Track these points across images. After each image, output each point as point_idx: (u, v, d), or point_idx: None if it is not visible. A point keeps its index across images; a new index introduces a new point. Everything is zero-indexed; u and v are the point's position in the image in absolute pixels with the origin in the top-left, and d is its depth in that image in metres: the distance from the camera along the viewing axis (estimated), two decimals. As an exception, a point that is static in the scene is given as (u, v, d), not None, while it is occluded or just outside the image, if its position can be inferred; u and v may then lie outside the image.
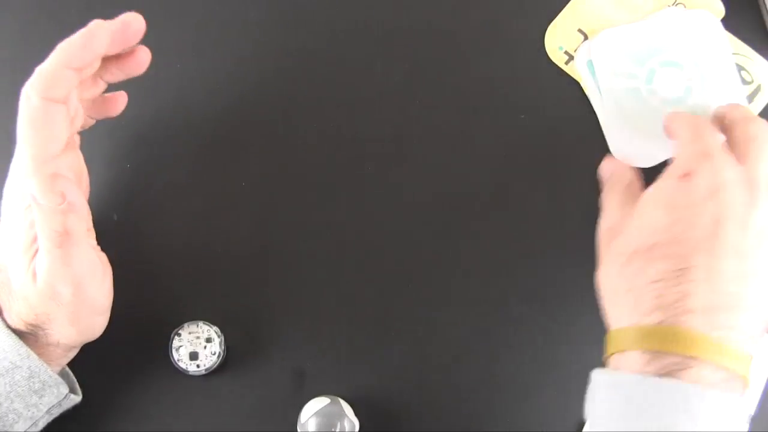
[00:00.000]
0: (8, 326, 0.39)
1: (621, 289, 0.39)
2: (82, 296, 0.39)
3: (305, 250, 0.47)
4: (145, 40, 0.49)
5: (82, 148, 0.48)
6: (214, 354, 0.45)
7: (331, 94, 0.49)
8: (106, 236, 0.46)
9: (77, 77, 0.38)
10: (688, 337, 0.36)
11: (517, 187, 0.48)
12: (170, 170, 0.48)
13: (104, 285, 0.41)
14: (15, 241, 0.39)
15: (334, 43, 0.50)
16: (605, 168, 0.46)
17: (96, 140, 0.48)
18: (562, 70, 0.49)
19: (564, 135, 0.49)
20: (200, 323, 0.45)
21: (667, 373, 0.36)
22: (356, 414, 0.44)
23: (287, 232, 0.48)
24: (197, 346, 0.45)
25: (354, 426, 0.43)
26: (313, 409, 0.43)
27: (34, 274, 0.38)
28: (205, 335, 0.45)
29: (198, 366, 0.44)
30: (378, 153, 0.48)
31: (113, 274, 0.43)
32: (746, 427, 0.37)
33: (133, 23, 0.39)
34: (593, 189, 0.48)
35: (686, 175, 0.39)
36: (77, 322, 0.40)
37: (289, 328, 0.46)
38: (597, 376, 0.39)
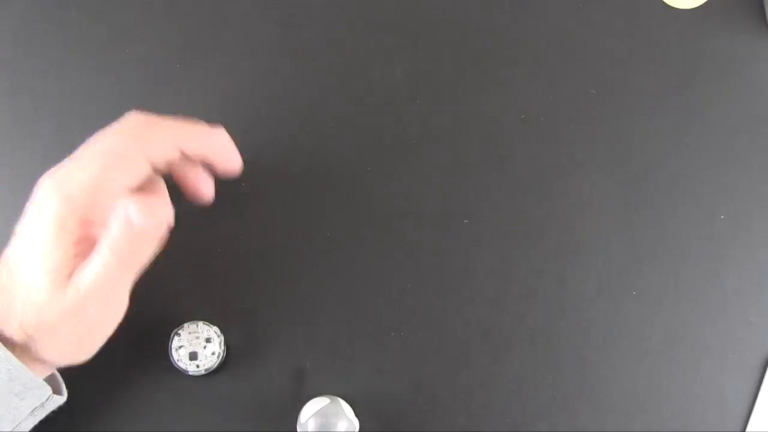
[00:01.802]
0: None
1: None
2: (101, 320, 0.39)
3: (304, 250, 0.47)
4: (146, 40, 0.50)
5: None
6: (214, 354, 0.44)
7: (332, 94, 0.49)
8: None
9: (176, 156, 0.40)
10: None
11: (517, 187, 0.48)
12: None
13: (119, 316, 0.41)
14: (51, 249, 0.38)
15: (333, 42, 0.50)
16: None
17: (96, 140, 0.48)
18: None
19: (564, 135, 0.49)
20: (200, 323, 0.45)
21: None
22: (356, 414, 0.44)
23: (286, 232, 0.48)
24: (197, 346, 0.45)
25: (354, 426, 0.43)
26: (312, 410, 0.43)
27: (64, 286, 0.37)
28: (205, 335, 0.45)
29: (198, 366, 0.44)
30: (378, 153, 0.48)
31: None
32: None
33: (235, 171, 0.44)
34: (593, 192, 0.48)
35: None
36: (78, 344, 0.39)
37: (289, 328, 0.46)
38: None
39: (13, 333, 0.38)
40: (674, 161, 0.48)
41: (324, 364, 0.46)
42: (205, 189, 0.45)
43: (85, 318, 0.38)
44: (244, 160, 0.48)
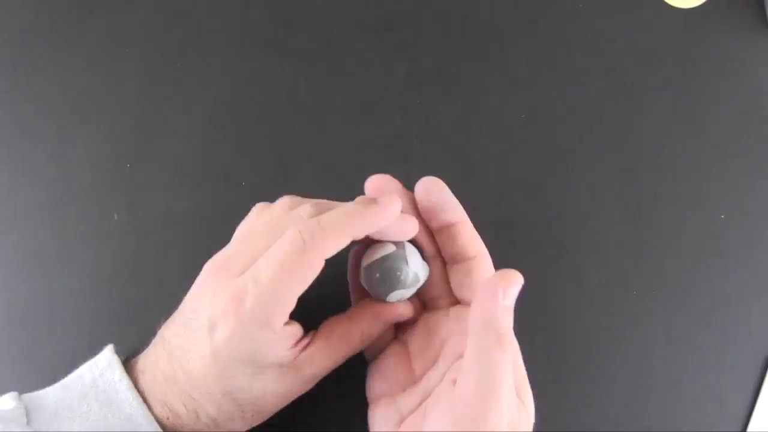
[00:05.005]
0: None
1: None
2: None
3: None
4: (146, 40, 0.50)
5: (79, 147, 0.48)
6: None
7: (332, 94, 0.49)
8: (106, 236, 0.46)
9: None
10: None
11: (517, 186, 0.48)
12: (171, 170, 0.48)
13: None
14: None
15: (333, 42, 0.50)
16: None
17: (96, 140, 0.48)
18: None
19: (564, 135, 0.49)
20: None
21: None
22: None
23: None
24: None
25: (425, 270, 0.40)
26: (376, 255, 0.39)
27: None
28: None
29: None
30: (378, 153, 0.48)
31: (109, 273, 0.42)
32: None
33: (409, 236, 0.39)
34: (593, 191, 0.48)
35: None
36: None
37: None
38: None
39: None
40: (674, 161, 0.48)
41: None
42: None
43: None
44: (245, 161, 0.48)
